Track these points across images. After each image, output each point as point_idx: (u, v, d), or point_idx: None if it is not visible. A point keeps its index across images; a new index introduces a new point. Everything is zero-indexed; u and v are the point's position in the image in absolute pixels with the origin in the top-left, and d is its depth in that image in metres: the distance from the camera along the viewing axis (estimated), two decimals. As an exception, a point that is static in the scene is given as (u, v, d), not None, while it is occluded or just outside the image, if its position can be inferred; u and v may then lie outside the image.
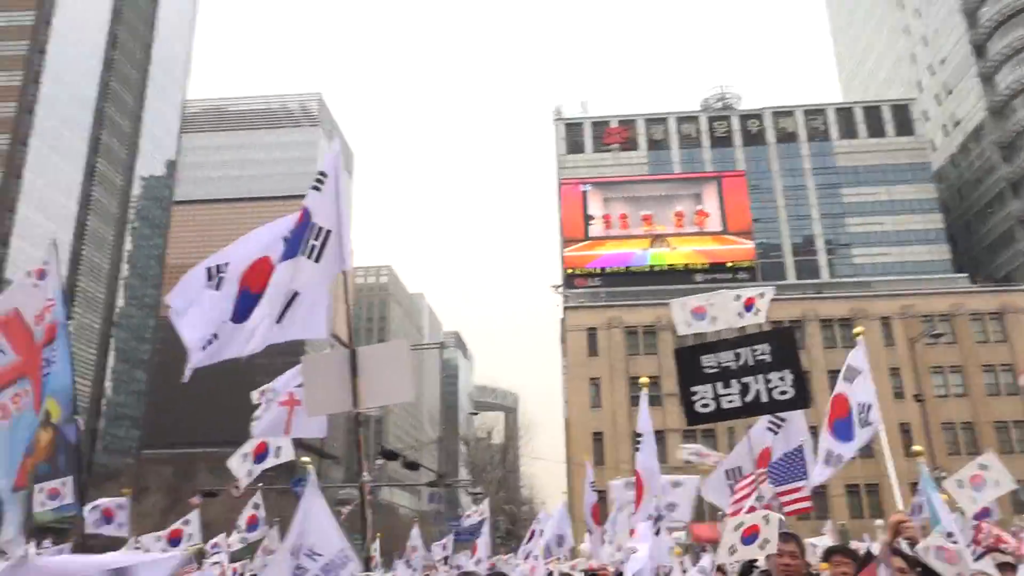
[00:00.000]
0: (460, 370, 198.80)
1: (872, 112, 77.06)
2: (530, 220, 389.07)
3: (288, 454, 12.27)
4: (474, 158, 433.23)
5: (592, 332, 61.75)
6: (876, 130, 75.53)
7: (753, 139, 76.28)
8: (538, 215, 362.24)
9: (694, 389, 5.91)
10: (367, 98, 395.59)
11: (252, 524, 15.32)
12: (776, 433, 8.10)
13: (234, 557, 15.06)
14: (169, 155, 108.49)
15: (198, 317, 5.59)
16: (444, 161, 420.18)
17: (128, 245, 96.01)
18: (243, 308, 5.48)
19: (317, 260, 5.05)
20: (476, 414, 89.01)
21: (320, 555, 5.42)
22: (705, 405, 5.87)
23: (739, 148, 75.98)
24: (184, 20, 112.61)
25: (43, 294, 6.86)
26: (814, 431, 7.03)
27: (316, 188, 5.14)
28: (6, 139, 77.65)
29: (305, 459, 7.41)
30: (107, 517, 13.25)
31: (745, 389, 5.81)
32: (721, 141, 76.30)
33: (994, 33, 73.07)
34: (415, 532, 17.60)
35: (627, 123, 77.74)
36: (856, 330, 5.94)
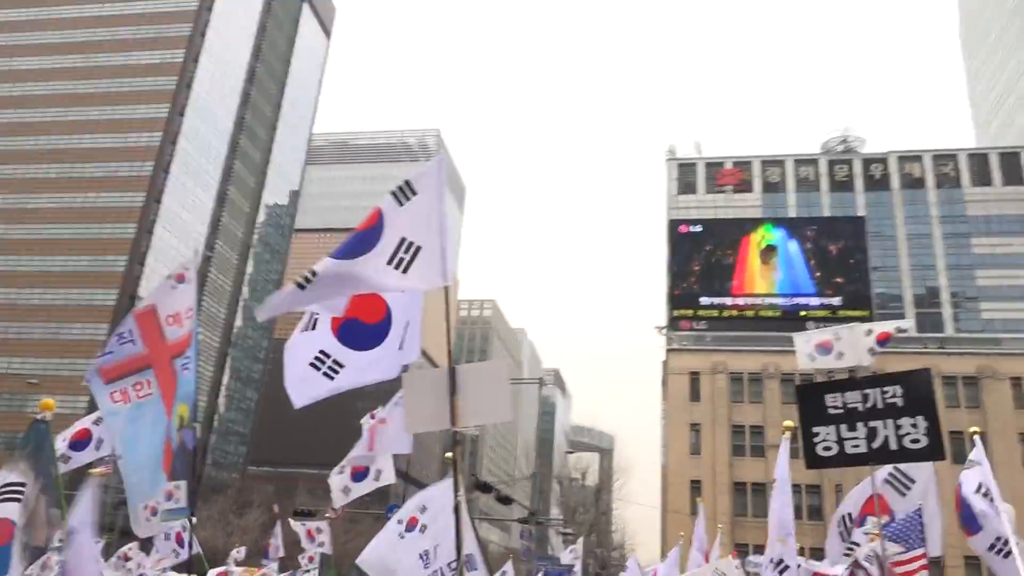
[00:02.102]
0: (557, 408, 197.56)
1: (1009, 159, 72.52)
2: (637, 260, 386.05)
3: (388, 477, 12.35)
4: (583, 195, 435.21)
5: (695, 376, 60.12)
6: (1013, 177, 70.98)
7: (876, 184, 73.11)
8: (645, 255, 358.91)
9: (816, 430, 5.53)
10: (481, 134, 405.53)
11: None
12: (895, 489, 7.51)
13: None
14: (293, 185, 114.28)
15: (297, 356, 5.72)
16: (553, 198, 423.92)
17: (249, 268, 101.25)
18: (361, 337, 5.59)
19: (404, 271, 4.96)
20: (572, 452, 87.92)
21: None
22: (827, 448, 5.48)
23: (860, 193, 72.95)
24: (316, 60, 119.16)
25: (183, 299, 7.32)
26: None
27: (398, 200, 5.01)
28: (150, 166, 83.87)
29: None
30: (178, 540, 13.62)
31: (872, 434, 5.39)
32: (841, 185, 73.53)
33: None
34: (509, 566, 17.49)
35: (742, 165, 76.15)
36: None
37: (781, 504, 7.67)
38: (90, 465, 10.71)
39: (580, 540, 18.63)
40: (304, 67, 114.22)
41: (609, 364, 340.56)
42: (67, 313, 78.86)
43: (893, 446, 5.35)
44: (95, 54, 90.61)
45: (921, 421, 5.32)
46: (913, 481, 7.18)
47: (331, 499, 12.80)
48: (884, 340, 6.34)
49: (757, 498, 53.22)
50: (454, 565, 6.27)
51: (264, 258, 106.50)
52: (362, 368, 5.56)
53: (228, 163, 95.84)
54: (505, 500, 27.99)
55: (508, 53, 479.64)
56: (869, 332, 6.37)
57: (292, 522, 15.80)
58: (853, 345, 6.25)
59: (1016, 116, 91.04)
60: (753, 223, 69.19)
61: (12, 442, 67.94)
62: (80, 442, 9.58)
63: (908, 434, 5.33)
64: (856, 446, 5.43)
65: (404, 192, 5.03)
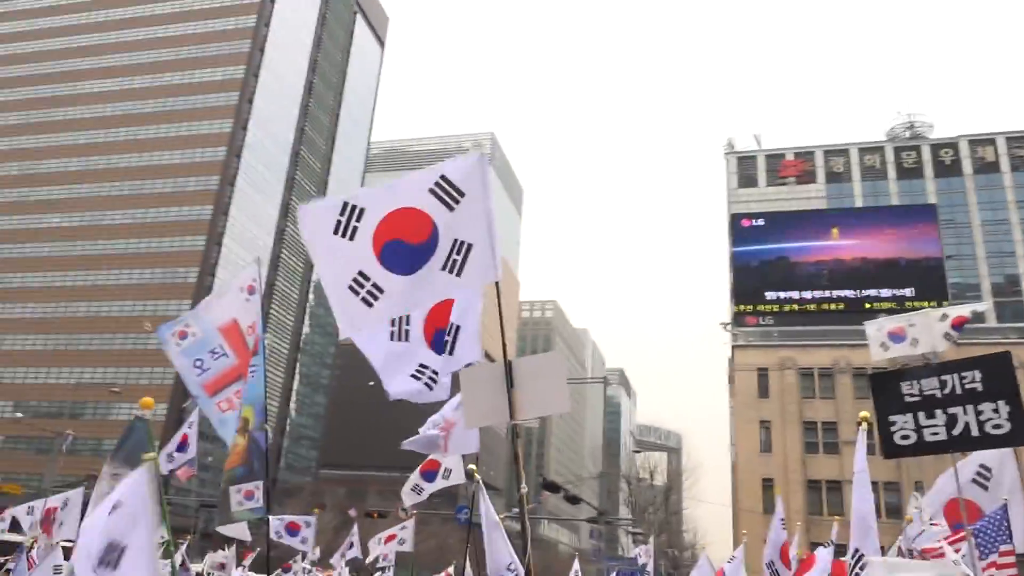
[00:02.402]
0: (623, 408, 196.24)
1: (1091, 138, 69.12)
2: (699, 256, 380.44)
3: (458, 477, 12.51)
4: (643, 193, 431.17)
5: (763, 372, 58.97)
6: (1096, 158, 67.64)
7: (947, 170, 70.47)
8: (707, 251, 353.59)
9: (892, 419, 5.40)
10: (538, 136, 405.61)
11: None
12: (980, 485, 7.20)
13: None
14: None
15: (396, 362, 5.93)
16: (612, 196, 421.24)
17: (314, 276, 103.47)
18: (446, 343, 5.85)
19: (459, 274, 5.04)
20: (639, 452, 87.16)
21: None
22: (905, 437, 5.35)
23: (930, 180, 70.43)
24: (371, 70, 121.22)
25: (254, 308, 7.73)
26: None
27: (447, 206, 5.03)
28: (216, 180, 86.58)
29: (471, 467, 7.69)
30: (292, 529, 14.09)
31: (952, 421, 5.24)
32: (909, 173, 71.11)
33: None
34: (576, 565, 17.54)
35: (804, 155, 74.35)
36: None
37: (860, 497, 7.44)
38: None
39: (651, 539, 18.49)
40: (360, 77, 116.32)
41: (674, 362, 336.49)
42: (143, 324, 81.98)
43: (974, 432, 5.21)
44: (161, 74, 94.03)
45: (1003, 406, 5.16)
46: (990, 469, 6.90)
47: (401, 500, 13.00)
48: (960, 325, 6.05)
49: (832, 496, 51.93)
50: (513, 566, 6.43)
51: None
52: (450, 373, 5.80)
53: (290, 174, 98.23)
54: (573, 500, 27.93)
55: (562, 52, 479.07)
56: (944, 317, 6.07)
57: (372, 543, 16.05)
58: (927, 331, 5.96)
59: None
60: (818, 215, 67.55)
61: (98, 448, 70.94)
62: (181, 445, 10.55)
63: (990, 419, 5.17)
64: (935, 434, 5.29)
65: (452, 196, 5.07)
